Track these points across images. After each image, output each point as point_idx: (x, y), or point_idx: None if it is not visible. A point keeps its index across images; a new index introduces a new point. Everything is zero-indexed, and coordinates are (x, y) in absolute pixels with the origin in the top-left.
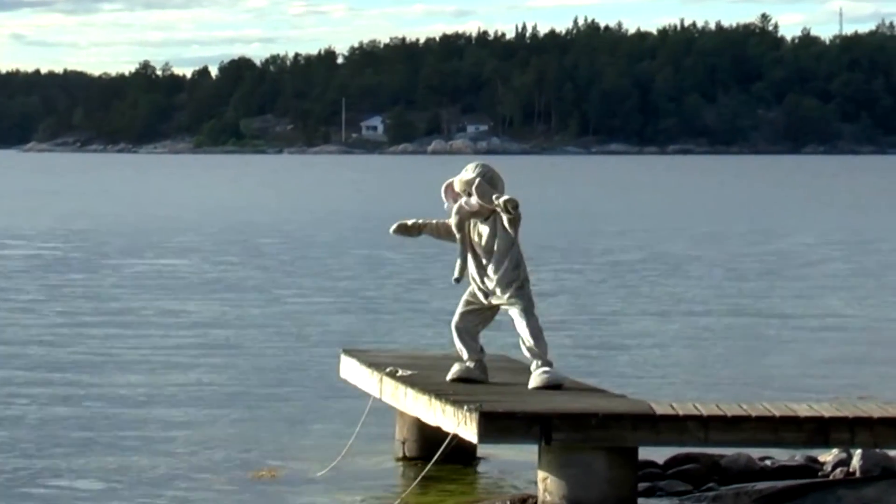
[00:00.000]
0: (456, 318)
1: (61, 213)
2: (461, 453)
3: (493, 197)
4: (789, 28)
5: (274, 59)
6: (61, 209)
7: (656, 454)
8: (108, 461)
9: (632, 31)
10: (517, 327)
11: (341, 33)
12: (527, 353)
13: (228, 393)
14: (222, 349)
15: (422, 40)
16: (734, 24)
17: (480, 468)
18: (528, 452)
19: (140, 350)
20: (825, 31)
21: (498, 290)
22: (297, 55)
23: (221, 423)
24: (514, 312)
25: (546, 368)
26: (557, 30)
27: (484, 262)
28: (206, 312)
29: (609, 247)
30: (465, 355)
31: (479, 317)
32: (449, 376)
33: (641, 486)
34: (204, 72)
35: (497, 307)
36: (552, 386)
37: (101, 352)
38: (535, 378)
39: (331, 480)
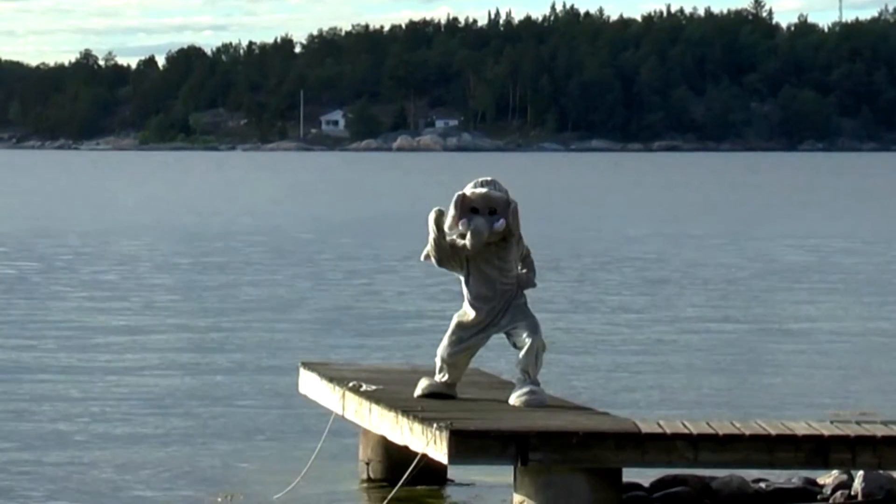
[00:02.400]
0: (444, 352)
1: None
2: (430, 475)
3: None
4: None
5: (226, 49)
6: None
7: (642, 476)
8: (49, 487)
9: (614, 17)
10: (521, 343)
11: (299, 20)
12: (518, 369)
13: (177, 410)
14: (171, 363)
15: (386, 27)
16: (725, 11)
17: (451, 491)
18: (502, 474)
19: (83, 365)
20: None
21: (506, 314)
22: (251, 44)
23: (170, 444)
24: (523, 327)
25: (532, 388)
26: (533, 16)
27: (493, 284)
28: (153, 324)
29: (589, 252)
30: (440, 377)
31: (471, 354)
32: (417, 391)
33: None
34: (150, 62)
35: (492, 335)
36: (535, 407)
37: (39, 365)
38: (518, 397)
39: None
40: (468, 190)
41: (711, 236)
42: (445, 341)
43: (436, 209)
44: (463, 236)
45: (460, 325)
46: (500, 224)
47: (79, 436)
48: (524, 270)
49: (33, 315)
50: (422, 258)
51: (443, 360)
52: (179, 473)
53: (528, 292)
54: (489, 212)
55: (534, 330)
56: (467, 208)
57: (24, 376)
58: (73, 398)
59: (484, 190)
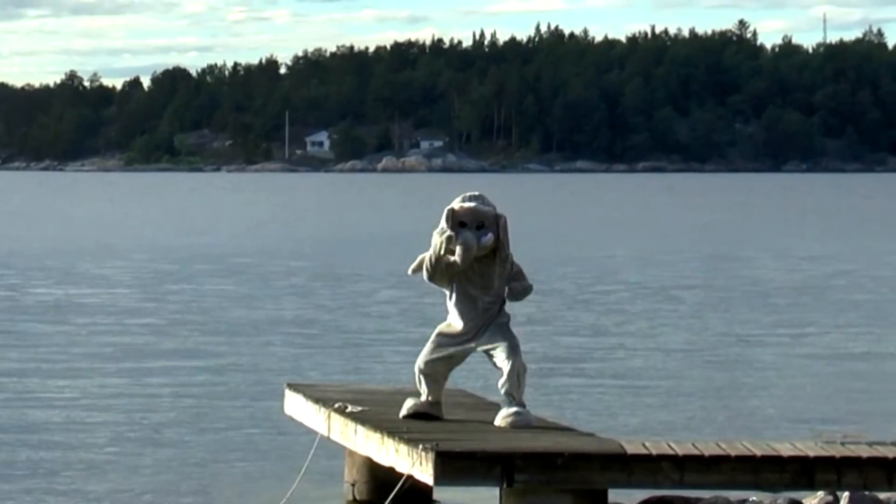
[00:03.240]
0: (421, 361)
1: None
2: (416, 496)
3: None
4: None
5: (211, 70)
6: None
7: (628, 497)
8: None
9: (599, 38)
10: (501, 364)
11: (285, 41)
12: (503, 391)
13: (162, 432)
14: (155, 384)
15: (371, 49)
16: (709, 32)
17: None
18: (488, 495)
19: (63, 386)
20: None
21: (486, 332)
22: (236, 65)
23: (155, 466)
24: (502, 348)
25: (517, 409)
26: (518, 37)
27: (475, 302)
28: (137, 344)
29: (574, 273)
30: (423, 395)
31: (449, 364)
32: (402, 412)
33: None
34: (135, 83)
35: (470, 351)
36: (520, 428)
37: (21, 388)
38: (504, 418)
39: None
40: (456, 204)
41: (695, 257)
42: (424, 349)
43: (448, 233)
44: (453, 252)
45: (441, 334)
46: (489, 238)
47: (60, 459)
48: (515, 283)
49: (8, 339)
50: (409, 271)
51: (420, 371)
52: (165, 495)
53: (515, 311)
54: (476, 226)
55: (513, 351)
56: (456, 222)
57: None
58: (55, 422)
59: (472, 204)
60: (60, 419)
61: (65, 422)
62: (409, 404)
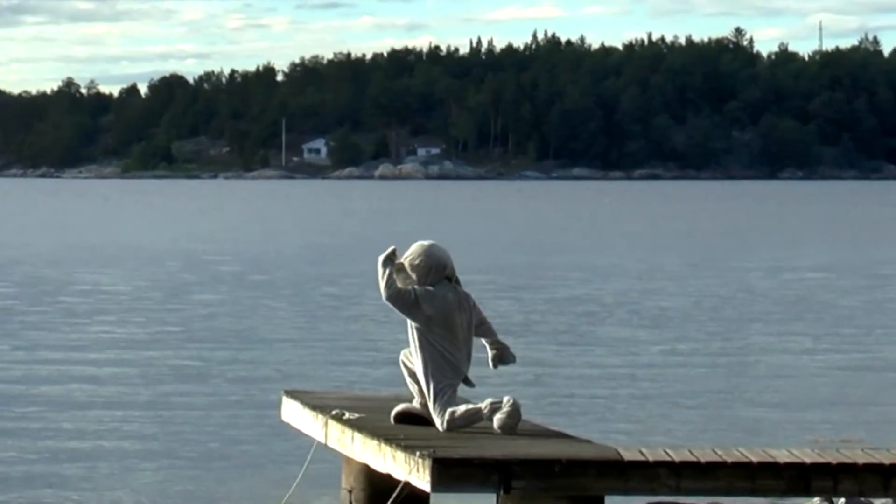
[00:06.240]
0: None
1: None
2: (413, 503)
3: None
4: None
5: (208, 77)
6: None
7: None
8: None
9: (595, 46)
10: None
11: (282, 48)
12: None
13: (159, 438)
14: (150, 391)
15: (368, 56)
16: (706, 39)
17: None
18: (485, 502)
19: (60, 391)
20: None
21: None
22: (233, 72)
23: (152, 471)
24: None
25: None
26: (515, 44)
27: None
28: (133, 351)
29: (569, 282)
30: (416, 398)
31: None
32: (393, 413)
33: None
34: (132, 90)
35: None
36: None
37: (19, 393)
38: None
39: None
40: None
41: (691, 265)
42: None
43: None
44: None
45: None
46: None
47: (53, 468)
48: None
49: (2, 345)
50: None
51: (409, 373)
52: (160, 501)
53: (512, 319)
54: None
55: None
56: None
57: None
58: (49, 430)
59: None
60: (57, 425)
61: (62, 428)
62: (400, 406)
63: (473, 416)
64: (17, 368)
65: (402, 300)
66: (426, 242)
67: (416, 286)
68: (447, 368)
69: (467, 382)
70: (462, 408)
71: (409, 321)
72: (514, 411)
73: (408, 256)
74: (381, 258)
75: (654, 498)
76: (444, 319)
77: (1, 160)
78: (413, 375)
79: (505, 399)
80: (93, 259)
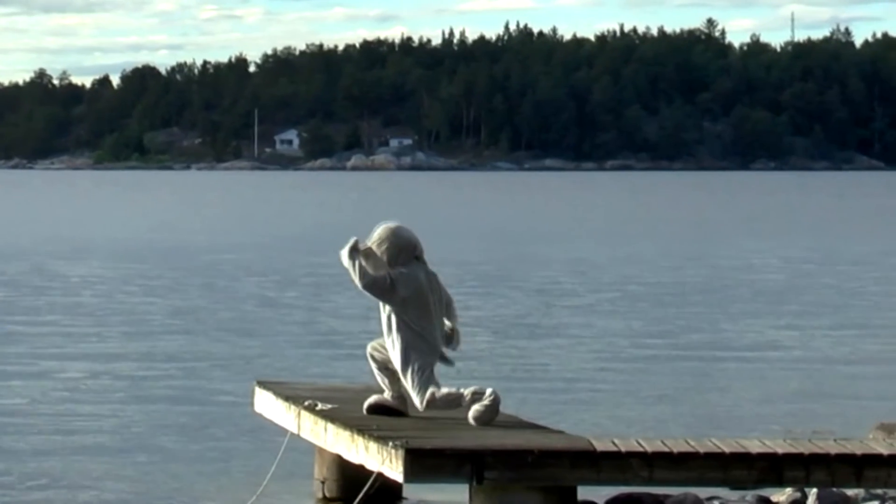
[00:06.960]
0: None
1: None
2: (386, 493)
3: None
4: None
5: (181, 68)
6: None
7: (597, 494)
8: None
9: (567, 37)
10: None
11: (254, 39)
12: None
13: (130, 429)
14: (123, 382)
15: (341, 47)
16: (678, 30)
17: None
18: (458, 492)
19: (26, 388)
20: (776, 38)
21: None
22: (205, 63)
23: (123, 462)
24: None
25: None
26: (487, 36)
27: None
28: (104, 342)
29: (541, 273)
30: (387, 390)
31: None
32: (365, 405)
33: None
34: (105, 81)
35: None
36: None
37: None
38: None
39: None
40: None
41: (663, 256)
42: (377, 341)
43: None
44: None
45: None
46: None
47: (25, 466)
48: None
49: None
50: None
51: (378, 367)
52: (133, 494)
53: (487, 313)
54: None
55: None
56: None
57: None
58: (17, 426)
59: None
60: (25, 420)
61: (29, 421)
62: (372, 398)
63: (454, 401)
64: None
65: (379, 287)
66: (392, 224)
67: (389, 270)
68: (424, 348)
69: (445, 361)
70: (444, 390)
71: (382, 305)
72: (493, 405)
73: (374, 240)
74: (344, 251)
75: (626, 488)
76: (418, 299)
77: None
78: (382, 368)
79: (488, 391)
80: (63, 251)
